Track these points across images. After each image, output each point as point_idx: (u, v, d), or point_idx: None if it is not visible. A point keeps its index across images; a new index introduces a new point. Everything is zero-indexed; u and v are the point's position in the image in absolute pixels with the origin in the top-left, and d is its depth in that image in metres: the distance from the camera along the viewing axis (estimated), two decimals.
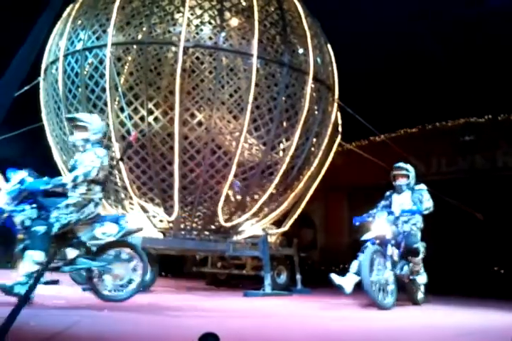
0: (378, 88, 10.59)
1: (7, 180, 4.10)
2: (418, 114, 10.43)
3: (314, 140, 7.99)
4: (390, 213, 5.73)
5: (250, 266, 7.53)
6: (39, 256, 3.87)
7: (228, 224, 7.19)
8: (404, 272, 5.72)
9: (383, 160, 8.14)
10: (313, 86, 7.64)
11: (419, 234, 5.95)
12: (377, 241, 5.40)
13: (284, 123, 7.61)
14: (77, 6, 7.15)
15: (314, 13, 8.36)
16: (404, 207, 5.87)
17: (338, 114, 8.56)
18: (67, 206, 4.12)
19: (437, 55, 10.25)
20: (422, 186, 6.09)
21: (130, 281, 4.50)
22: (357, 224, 5.79)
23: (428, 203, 5.88)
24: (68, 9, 7.32)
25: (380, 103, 10.35)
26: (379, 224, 5.47)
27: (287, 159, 7.40)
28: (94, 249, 4.34)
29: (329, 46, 8.41)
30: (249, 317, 4.25)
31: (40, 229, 3.92)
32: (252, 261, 7.50)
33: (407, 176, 6.09)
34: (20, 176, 4.00)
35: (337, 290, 5.34)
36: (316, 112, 7.88)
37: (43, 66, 7.42)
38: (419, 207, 5.80)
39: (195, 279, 8.98)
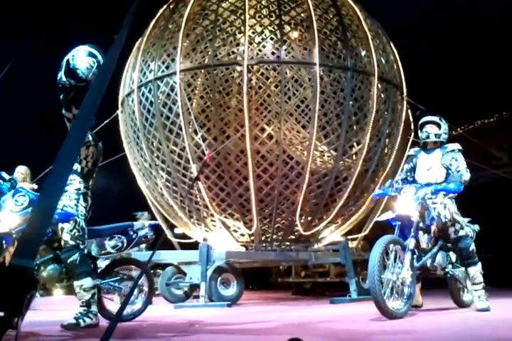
0: (447, 80, 10.27)
1: None
2: (493, 102, 9.98)
3: (387, 140, 7.95)
4: (421, 186, 4.48)
5: (334, 273, 7.64)
6: (88, 282, 3.84)
7: (308, 233, 7.36)
8: (437, 263, 4.51)
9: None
10: (379, 86, 7.62)
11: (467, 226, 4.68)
12: (399, 223, 4.34)
13: (354, 127, 7.64)
14: (144, 39, 7.64)
15: (373, 13, 8.33)
16: (433, 175, 4.69)
17: (409, 112, 8.44)
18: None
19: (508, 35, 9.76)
20: (456, 145, 4.78)
21: (134, 301, 4.36)
22: (376, 198, 4.91)
23: (467, 174, 4.56)
24: (137, 43, 7.84)
25: (451, 95, 10.05)
26: (403, 202, 4.33)
27: (360, 162, 7.43)
28: (101, 266, 4.25)
29: (392, 45, 8.32)
30: (336, 322, 4.18)
31: (75, 257, 3.83)
32: (335, 267, 7.59)
33: (438, 125, 4.81)
34: (26, 198, 3.80)
35: (427, 291, 4.94)
36: (386, 112, 7.83)
37: (120, 99, 7.98)
38: (457, 182, 4.41)
39: (281, 290, 9.20)
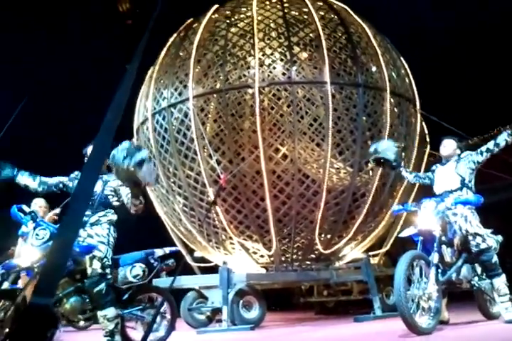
0: (460, 89, 10.23)
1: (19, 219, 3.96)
2: (510, 109, 9.89)
3: (403, 154, 7.92)
4: (441, 200, 4.50)
5: (357, 291, 7.56)
6: (112, 312, 3.86)
7: (328, 251, 7.32)
8: (462, 276, 4.50)
9: (482, 165, 7.81)
10: (392, 101, 7.64)
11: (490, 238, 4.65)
12: (421, 238, 4.36)
13: (369, 142, 7.64)
14: (156, 67, 7.81)
15: (382, 29, 8.41)
16: (448, 182, 4.79)
17: (424, 125, 8.42)
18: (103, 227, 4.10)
19: None
20: (467, 152, 4.96)
21: (158, 328, 4.38)
22: (395, 214, 5.04)
23: (485, 146, 4.78)
24: (149, 72, 8.02)
25: (465, 105, 9.99)
26: (424, 217, 4.35)
27: (377, 178, 7.41)
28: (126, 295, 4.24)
29: (402, 59, 8.37)
30: None
31: (101, 286, 3.85)
32: (358, 285, 7.51)
33: (454, 145, 5.02)
34: (47, 232, 3.84)
35: (458, 306, 4.91)
36: (400, 126, 7.83)
37: (135, 128, 8.12)
38: (477, 195, 4.53)
39: (303, 310, 9.12)
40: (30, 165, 4.39)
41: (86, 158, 4.42)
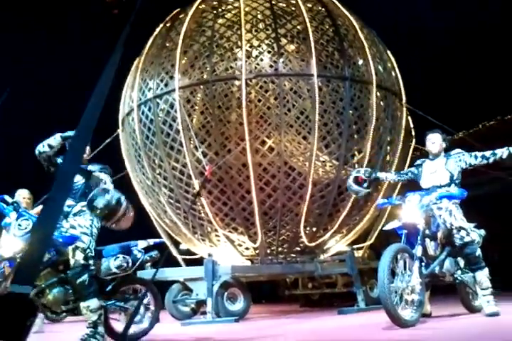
0: (446, 84, 10.30)
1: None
2: (494, 104, 9.98)
3: (388, 148, 7.96)
4: (425, 194, 4.53)
5: (341, 283, 7.59)
6: (95, 303, 3.84)
7: (313, 244, 7.34)
8: (445, 269, 4.55)
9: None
10: (378, 94, 7.65)
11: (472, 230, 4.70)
12: (405, 231, 4.38)
13: (355, 136, 7.66)
14: (142, 58, 7.73)
15: (369, 21, 8.41)
16: (437, 177, 4.81)
17: (409, 119, 8.46)
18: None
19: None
20: (459, 150, 4.94)
21: (141, 320, 4.35)
22: (380, 207, 5.09)
23: (480, 153, 4.79)
24: (135, 62, 7.93)
25: (451, 99, 10.05)
26: (409, 210, 4.37)
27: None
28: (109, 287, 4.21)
29: (389, 52, 8.38)
30: (346, 333, 4.20)
31: (84, 277, 3.83)
32: (343, 277, 7.55)
33: (441, 140, 4.99)
34: (29, 222, 3.80)
35: (441, 299, 4.94)
36: (386, 120, 7.85)
37: (120, 118, 8.04)
38: (461, 189, 4.60)
39: (288, 302, 9.16)
40: (30, 167, 4.29)
41: (67, 147, 4.33)
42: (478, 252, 4.69)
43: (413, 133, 8.55)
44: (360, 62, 7.72)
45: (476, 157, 4.80)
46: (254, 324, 6.08)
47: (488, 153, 4.76)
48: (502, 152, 4.71)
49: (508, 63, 9.89)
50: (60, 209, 1.86)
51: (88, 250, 3.95)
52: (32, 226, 3.78)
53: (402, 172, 5.24)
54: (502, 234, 8.92)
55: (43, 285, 3.82)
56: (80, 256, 3.90)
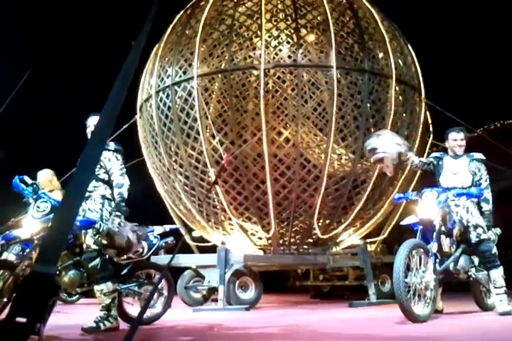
0: (466, 81, 10.17)
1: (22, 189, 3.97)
2: None
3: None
4: (443, 191, 4.49)
5: (353, 277, 7.60)
6: (108, 287, 3.89)
7: (326, 236, 7.34)
8: (460, 266, 4.52)
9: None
10: (397, 88, 7.59)
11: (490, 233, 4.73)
12: (421, 227, 4.39)
13: (372, 130, 7.60)
14: (162, 45, 7.72)
15: (390, 14, 8.31)
16: (460, 178, 4.78)
17: (428, 114, 8.38)
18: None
19: None
20: (481, 156, 4.92)
21: (154, 305, 4.39)
22: (396, 202, 5.05)
23: (486, 183, 4.80)
24: (155, 49, 7.92)
25: (470, 96, 9.94)
26: (425, 206, 4.35)
27: (378, 165, 7.39)
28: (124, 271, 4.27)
29: (410, 47, 8.28)
30: (356, 326, 4.18)
31: (96, 262, 3.88)
32: (354, 271, 7.55)
33: (465, 140, 4.95)
34: (48, 205, 3.86)
35: (451, 296, 4.92)
36: (404, 114, 7.79)
37: (138, 105, 8.05)
38: (478, 188, 4.61)
39: (299, 293, 9.18)
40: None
41: (88, 129, 4.36)
42: (494, 250, 4.70)
43: (431, 128, 8.49)
44: (380, 55, 7.65)
45: (482, 179, 4.81)
46: (264, 313, 6.10)
47: (487, 196, 4.75)
48: (490, 209, 4.75)
49: None
50: (84, 192, 1.87)
51: (98, 235, 3.96)
52: (53, 208, 3.83)
53: (424, 160, 5.06)
54: None
55: (59, 267, 3.86)
56: (90, 241, 3.95)
